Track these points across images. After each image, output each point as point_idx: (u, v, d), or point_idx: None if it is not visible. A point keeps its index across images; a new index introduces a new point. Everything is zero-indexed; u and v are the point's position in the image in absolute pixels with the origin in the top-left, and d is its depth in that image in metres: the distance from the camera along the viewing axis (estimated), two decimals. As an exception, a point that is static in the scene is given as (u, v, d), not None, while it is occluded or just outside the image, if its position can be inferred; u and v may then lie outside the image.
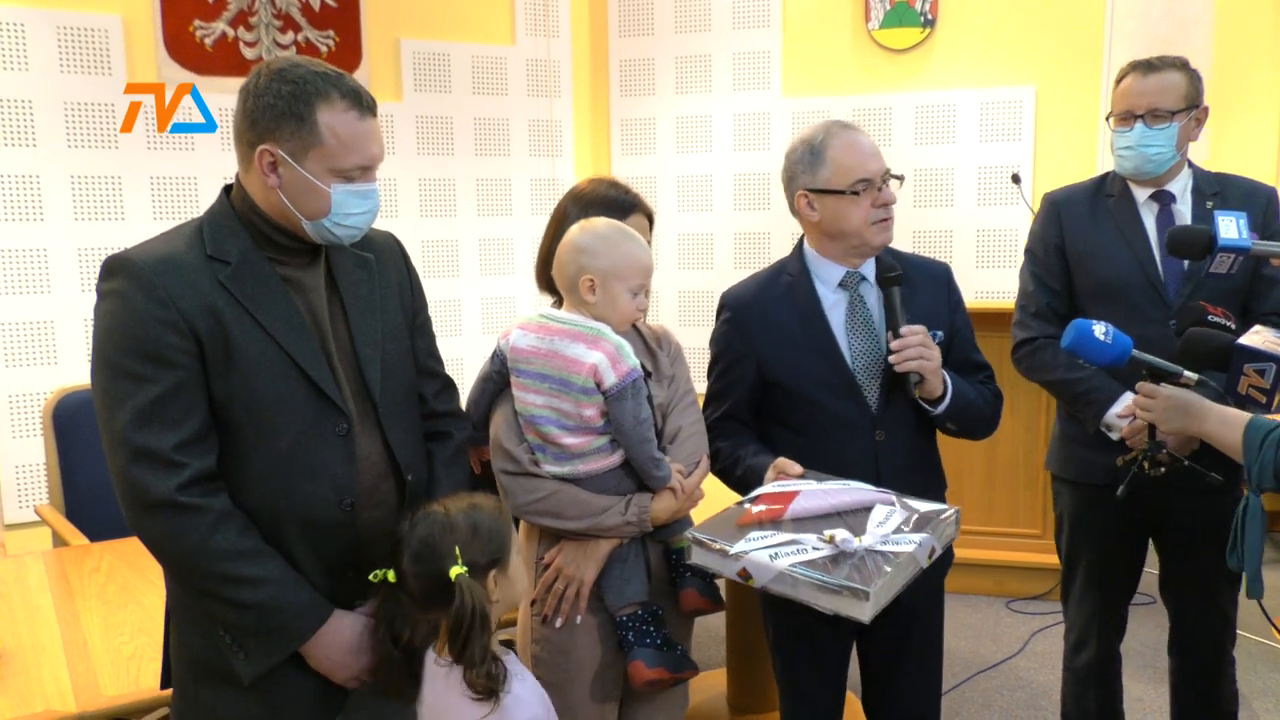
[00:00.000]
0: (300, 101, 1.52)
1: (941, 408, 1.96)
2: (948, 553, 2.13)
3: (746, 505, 1.82)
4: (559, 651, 1.95)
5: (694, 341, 2.18)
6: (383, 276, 1.74)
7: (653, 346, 2.05)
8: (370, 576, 1.59)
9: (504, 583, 1.60)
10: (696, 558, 1.72)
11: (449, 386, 1.89)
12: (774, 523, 1.74)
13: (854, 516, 1.76)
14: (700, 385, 2.12)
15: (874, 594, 1.54)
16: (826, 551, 1.64)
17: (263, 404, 1.56)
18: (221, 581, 1.52)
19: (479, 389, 2.01)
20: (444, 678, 1.57)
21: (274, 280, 1.59)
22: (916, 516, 1.75)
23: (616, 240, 1.87)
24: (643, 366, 2.00)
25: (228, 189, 1.64)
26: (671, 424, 2.00)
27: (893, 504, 1.78)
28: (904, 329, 1.93)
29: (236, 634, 1.57)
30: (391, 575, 1.59)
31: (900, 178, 2.02)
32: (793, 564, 1.60)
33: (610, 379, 1.81)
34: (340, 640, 1.61)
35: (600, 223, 1.91)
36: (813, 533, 1.69)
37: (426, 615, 1.60)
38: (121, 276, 1.53)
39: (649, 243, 2.08)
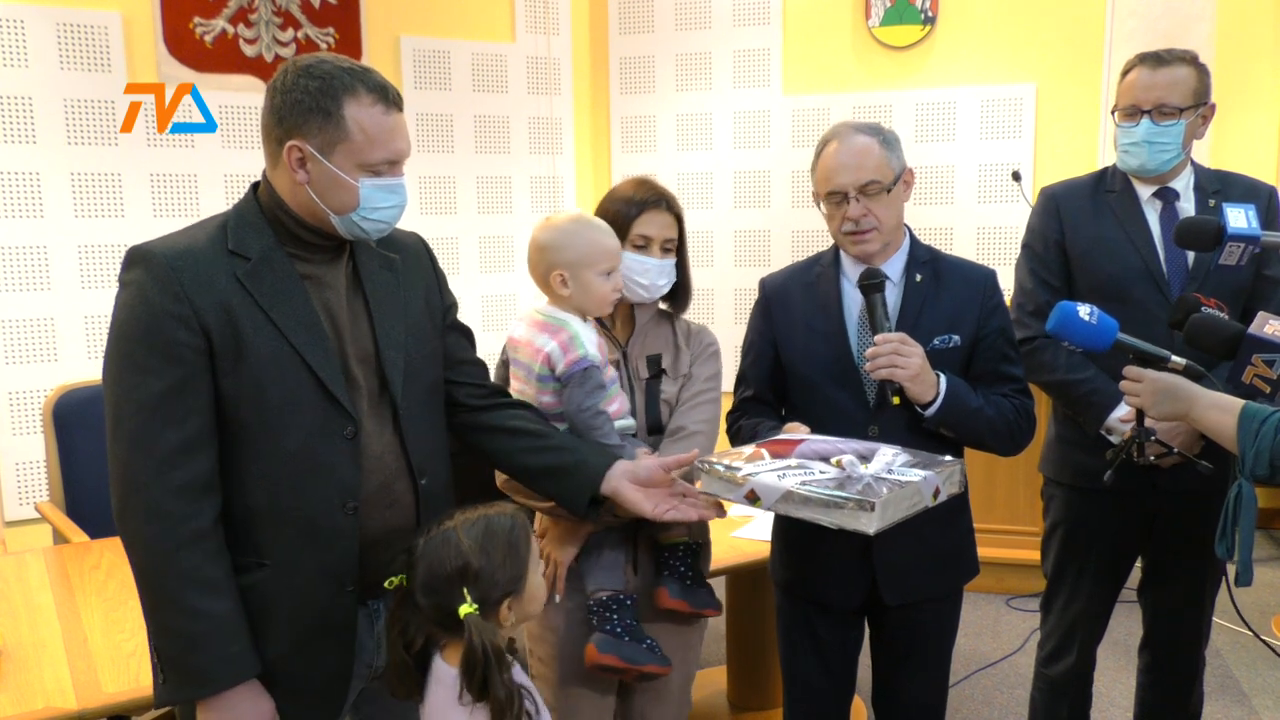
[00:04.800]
0: (327, 97, 1.52)
1: (929, 412, 1.93)
2: (974, 562, 2.14)
3: (754, 447, 1.82)
4: (548, 628, 2.03)
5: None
6: (408, 278, 1.74)
7: (680, 342, 2.08)
8: (385, 583, 1.55)
9: (519, 605, 1.55)
10: (705, 485, 1.72)
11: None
12: (781, 457, 1.75)
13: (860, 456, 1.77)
14: (727, 384, 2.15)
15: (880, 505, 1.54)
16: (834, 474, 1.65)
17: (271, 403, 1.55)
18: (167, 602, 1.51)
19: (497, 375, 2.08)
20: (449, 686, 1.52)
21: (292, 278, 1.59)
22: (920, 460, 1.74)
23: (576, 231, 1.92)
24: (658, 362, 2.01)
25: (255, 186, 1.64)
26: (675, 421, 2.02)
27: (898, 450, 1.78)
28: (877, 337, 1.91)
29: (162, 656, 1.56)
30: (407, 581, 1.55)
31: (874, 191, 1.96)
32: (800, 483, 1.61)
33: (560, 366, 1.87)
34: (246, 714, 1.56)
35: (559, 217, 1.96)
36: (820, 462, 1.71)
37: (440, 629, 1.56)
38: (141, 268, 1.53)
39: (680, 239, 2.07)
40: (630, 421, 1.97)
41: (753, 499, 1.64)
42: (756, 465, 1.69)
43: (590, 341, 1.89)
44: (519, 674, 1.56)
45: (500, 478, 2.01)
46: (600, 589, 1.95)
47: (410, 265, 1.76)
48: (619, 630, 1.91)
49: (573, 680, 2.00)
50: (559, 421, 1.91)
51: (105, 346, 1.56)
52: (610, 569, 1.97)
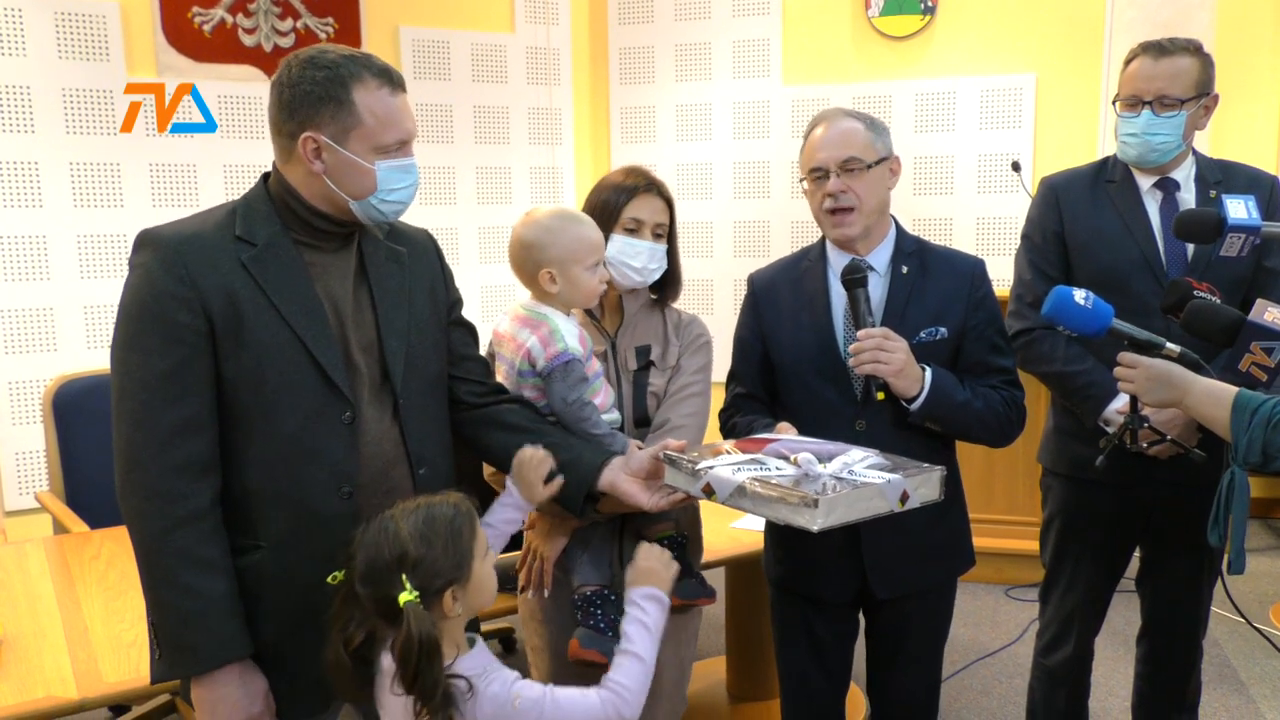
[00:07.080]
0: (336, 85, 1.56)
1: (914, 406, 1.92)
2: (968, 554, 2.13)
3: (728, 443, 1.82)
4: (540, 621, 2.03)
5: (694, 329, 2.22)
6: (414, 271, 1.76)
7: (669, 333, 2.07)
8: (328, 579, 1.52)
9: (464, 595, 1.50)
10: (669, 478, 1.72)
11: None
12: (747, 454, 1.74)
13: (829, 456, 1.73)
14: (719, 376, 2.13)
15: (825, 503, 1.51)
16: (790, 472, 1.63)
17: (270, 387, 1.57)
18: (162, 579, 1.53)
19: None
20: (396, 683, 1.47)
21: (297, 265, 1.61)
22: (892, 464, 1.70)
23: (560, 227, 1.90)
24: (647, 353, 2.01)
25: (266, 176, 1.66)
26: (660, 415, 2.00)
27: (872, 453, 1.74)
28: (860, 332, 1.90)
29: (159, 632, 1.58)
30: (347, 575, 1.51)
31: (854, 167, 1.96)
32: (752, 478, 1.60)
33: (540, 361, 1.86)
34: (234, 693, 1.57)
35: (540, 214, 1.94)
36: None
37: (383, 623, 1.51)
38: (148, 250, 1.56)
39: (671, 227, 2.06)
40: (615, 415, 1.96)
41: (709, 492, 1.64)
42: (717, 460, 1.69)
43: (571, 334, 1.88)
44: (470, 661, 1.50)
45: (488, 470, 2.00)
46: (585, 584, 1.95)
47: (417, 259, 1.78)
48: (602, 626, 1.91)
49: (566, 674, 1.98)
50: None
51: (114, 325, 1.59)
52: (595, 564, 1.96)
